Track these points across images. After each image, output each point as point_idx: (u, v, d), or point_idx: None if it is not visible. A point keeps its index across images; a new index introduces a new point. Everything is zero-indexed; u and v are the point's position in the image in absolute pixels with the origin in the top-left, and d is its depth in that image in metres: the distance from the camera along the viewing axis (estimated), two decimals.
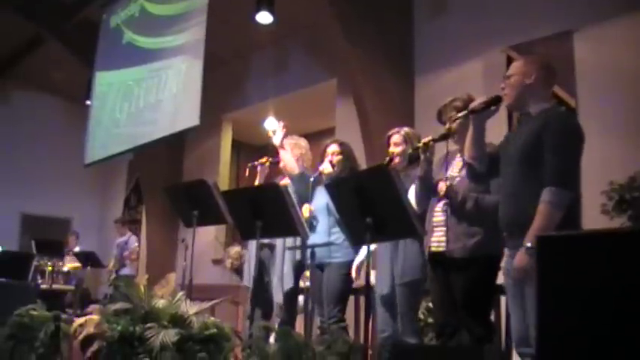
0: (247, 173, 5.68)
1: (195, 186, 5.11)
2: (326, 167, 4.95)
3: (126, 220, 11.69)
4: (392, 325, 4.30)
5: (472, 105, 3.46)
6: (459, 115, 3.67)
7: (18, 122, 12.83)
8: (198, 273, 5.20)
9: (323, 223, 4.86)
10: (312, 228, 4.92)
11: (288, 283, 5.13)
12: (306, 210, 4.92)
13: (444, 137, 3.96)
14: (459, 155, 3.97)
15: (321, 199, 4.75)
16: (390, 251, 4.31)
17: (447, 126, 3.92)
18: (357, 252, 4.66)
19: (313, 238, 4.88)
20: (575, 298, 1.83)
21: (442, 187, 3.85)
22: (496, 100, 3.44)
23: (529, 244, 3.10)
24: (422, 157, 3.92)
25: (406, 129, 4.61)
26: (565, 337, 1.83)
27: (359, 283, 4.82)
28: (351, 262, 4.73)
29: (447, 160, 3.99)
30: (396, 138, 4.56)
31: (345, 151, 5.10)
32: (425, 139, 4.01)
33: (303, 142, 5.61)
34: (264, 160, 5.55)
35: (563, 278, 1.86)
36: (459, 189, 3.80)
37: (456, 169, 3.94)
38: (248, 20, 8.21)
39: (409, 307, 4.26)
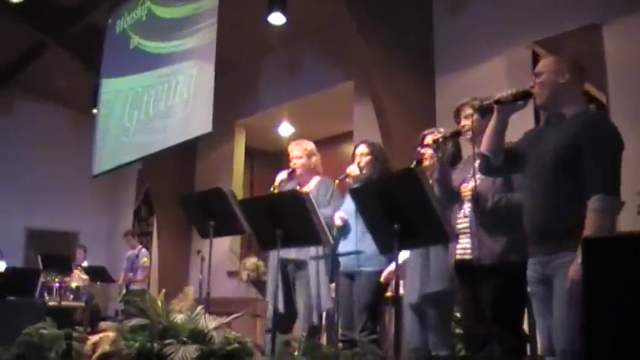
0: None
1: (211, 195, 5.09)
2: (353, 170, 4.93)
3: (136, 232, 11.72)
4: (420, 337, 4.26)
5: (500, 95, 3.41)
6: (485, 103, 3.63)
7: (21, 133, 12.92)
8: (213, 286, 5.20)
9: (352, 229, 4.82)
10: (345, 236, 4.91)
11: (326, 304, 5.10)
12: (337, 218, 4.91)
13: (456, 134, 3.95)
14: None
15: (350, 203, 4.65)
16: (420, 259, 4.26)
17: (462, 123, 3.92)
18: (388, 261, 4.61)
19: (343, 246, 4.87)
20: (622, 300, 1.84)
21: (467, 189, 3.82)
22: (525, 95, 3.38)
23: None
24: (435, 157, 3.91)
25: (442, 130, 4.39)
26: (612, 341, 1.84)
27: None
28: (382, 272, 4.70)
29: (474, 163, 3.96)
30: (429, 139, 4.32)
31: (375, 151, 5.04)
32: (434, 137, 3.99)
33: (312, 145, 5.58)
34: (283, 176, 5.46)
35: (610, 281, 1.86)
36: (485, 191, 3.78)
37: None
38: (259, 22, 8.23)
39: (439, 319, 4.22)
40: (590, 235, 2.93)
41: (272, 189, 5.33)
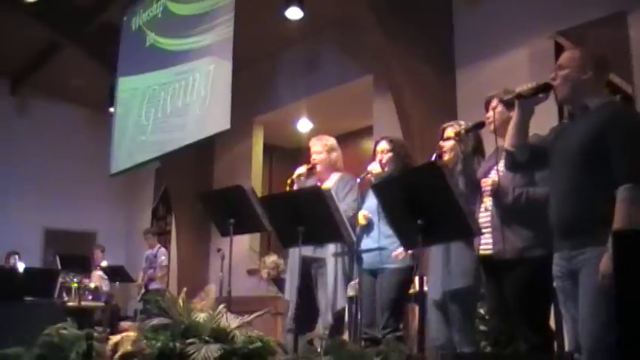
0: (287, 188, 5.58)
1: (232, 192, 5.10)
2: (374, 167, 4.90)
3: (156, 231, 11.76)
4: (445, 333, 4.24)
5: (520, 89, 3.40)
6: (506, 97, 3.63)
7: (38, 133, 12.99)
8: (233, 284, 5.20)
9: (375, 226, 4.79)
10: (368, 233, 4.89)
11: (341, 303, 5.08)
12: (361, 217, 4.89)
13: (479, 126, 3.93)
14: None
15: (373, 200, 4.63)
16: (442, 255, 4.23)
17: (487, 115, 3.90)
18: (412, 257, 4.59)
19: (366, 243, 4.86)
20: None
21: (487, 183, 3.81)
22: (546, 88, 3.37)
23: None
24: (456, 149, 3.90)
25: (462, 122, 4.36)
26: None
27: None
28: (406, 269, 4.67)
29: (496, 156, 3.94)
30: (449, 132, 4.33)
31: (396, 147, 4.98)
32: (455, 129, 3.96)
33: (334, 141, 5.56)
34: (302, 170, 5.44)
35: None
36: (506, 185, 3.76)
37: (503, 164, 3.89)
38: (276, 17, 8.23)
39: (463, 316, 4.17)
40: (620, 228, 2.90)
41: (289, 181, 5.32)
